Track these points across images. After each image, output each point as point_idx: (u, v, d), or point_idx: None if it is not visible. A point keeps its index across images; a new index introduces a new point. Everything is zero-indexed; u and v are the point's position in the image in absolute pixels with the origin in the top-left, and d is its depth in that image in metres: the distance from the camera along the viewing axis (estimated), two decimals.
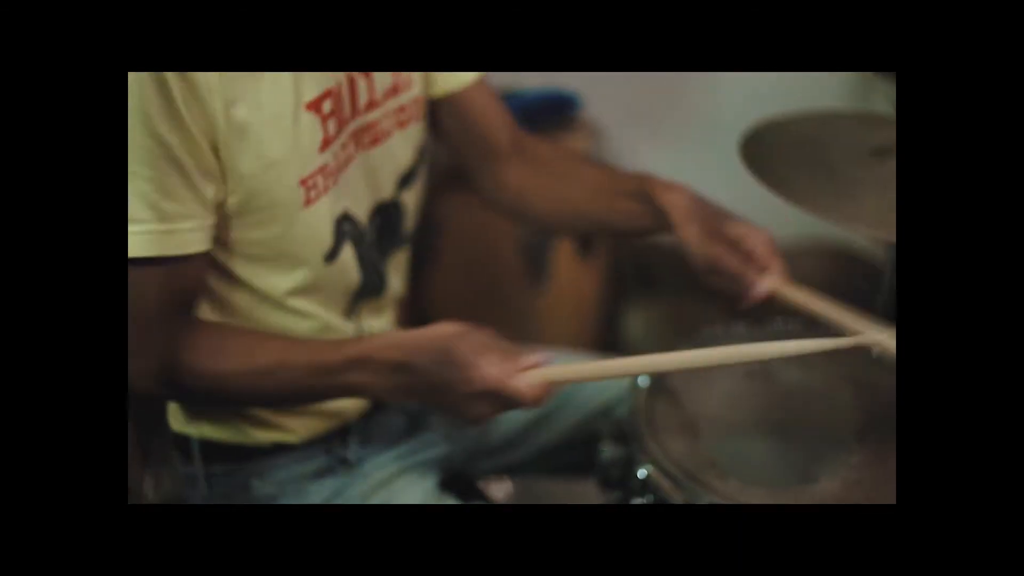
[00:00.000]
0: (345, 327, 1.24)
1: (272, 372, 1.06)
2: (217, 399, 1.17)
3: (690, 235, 1.20)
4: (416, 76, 1.26)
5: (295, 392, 1.10)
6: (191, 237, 1.03)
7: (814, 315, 1.17)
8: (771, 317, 1.41)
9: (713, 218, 1.22)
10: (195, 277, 1.08)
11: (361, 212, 1.21)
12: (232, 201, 1.05)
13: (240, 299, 1.15)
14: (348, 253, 1.19)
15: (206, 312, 1.15)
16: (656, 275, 2.59)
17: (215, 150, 1.01)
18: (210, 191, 1.03)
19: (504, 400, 0.99)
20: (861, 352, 1.31)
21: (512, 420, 1.34)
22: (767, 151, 1.24)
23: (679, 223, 1.22)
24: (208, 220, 1.05)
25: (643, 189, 1.28)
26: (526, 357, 1.01)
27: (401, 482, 1.27)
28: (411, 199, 1.31)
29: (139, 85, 0.94)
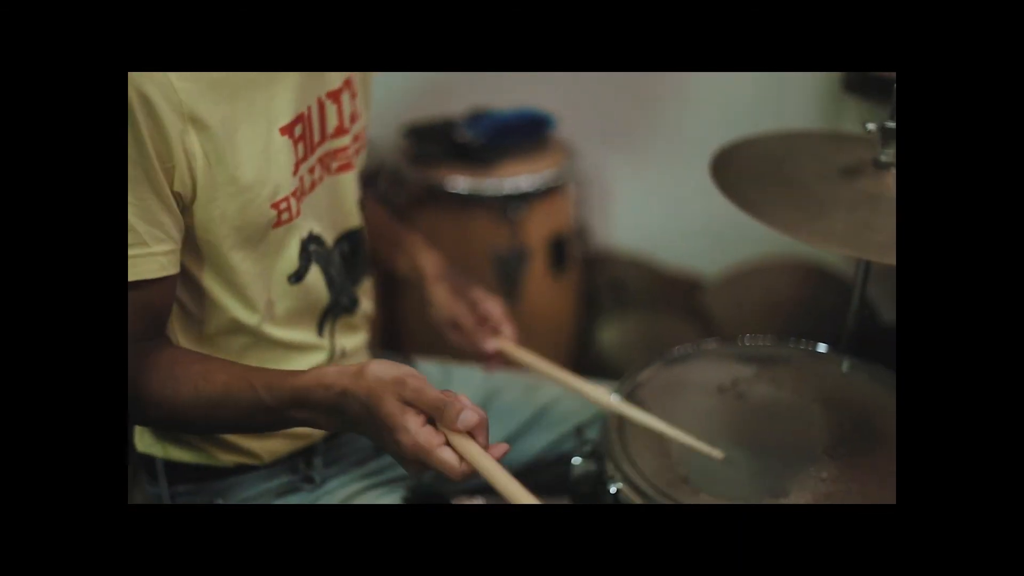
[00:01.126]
0: (320, 343, 1.25)
1: (216, 404, 1.03)
2: (175, 425, 1.17)
3: (437, 293, 1.40)
4: (363, 106, 1.28)
5: (240, 424, 1.09)
6: (165, 260, 1.03)
7: (538, 373, 1.33)
8: (741, 334, 1.42)
9: (457, 281, 1.40)
10: (166, 299, 1.08)
11: (328, 236, 1.22)
12: (214, 216, 1.06)
13: (216, 329, 1.15)
14: (315, 274, 1.20)
15: (184, 342, 1.15)
16: (629, 293, 2.60)
17: (184, 174, 1.01)
18: (177, 214, 1.03)
19: (430, 467, 0.95)
20: (831, 369, 1.33)
21: None
22: (738, 170, 1.25)
23: (429, 280, 1.42)
24: (178, 244, 1.05)
25: (407, 246, 1.48)
26: (455, 414, 0.94)
27: (366, 499, 1.26)
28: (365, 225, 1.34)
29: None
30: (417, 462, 0.94)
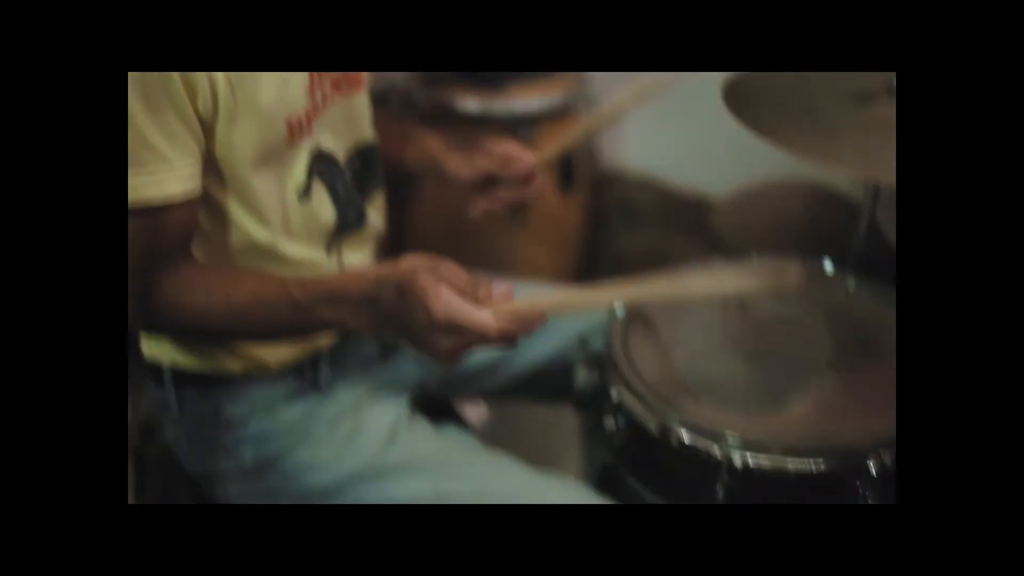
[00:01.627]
0: (327, 262, 1.26)
1: (248, 309, 1.06)
2: (198, 334, 1.18)
3: (455, 162, 1.39)
4: None
5: (271, 328, 1.11)
6: (188, 176, 1.04)
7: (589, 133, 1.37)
8: (748, 253, 1.43)
9: (464, 145, 1.41)
10: (191, 218, 1.08)
11: (340, 153, 1.23)
12: (234, 138, 1.07)
13: (232, 247, 1.16)
14: (320, 191, 1.21)
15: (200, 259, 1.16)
16: (637, 212, 2.60)
17: (207, 98, 1.02)
18: (199, 133, 1.04)
19: (469, 334, 0.97)
20: (837, 288, 1.35)
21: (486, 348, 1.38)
22: (750, 93, 1.25)
23: (441, 157, 1.41)
24: (199, 162, 1.06)
25: (415, 136, 1.46)
26: (490, 288, 0.98)
27: (372, 403, 1.28)
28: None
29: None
30: (451, 330, 0.96)
